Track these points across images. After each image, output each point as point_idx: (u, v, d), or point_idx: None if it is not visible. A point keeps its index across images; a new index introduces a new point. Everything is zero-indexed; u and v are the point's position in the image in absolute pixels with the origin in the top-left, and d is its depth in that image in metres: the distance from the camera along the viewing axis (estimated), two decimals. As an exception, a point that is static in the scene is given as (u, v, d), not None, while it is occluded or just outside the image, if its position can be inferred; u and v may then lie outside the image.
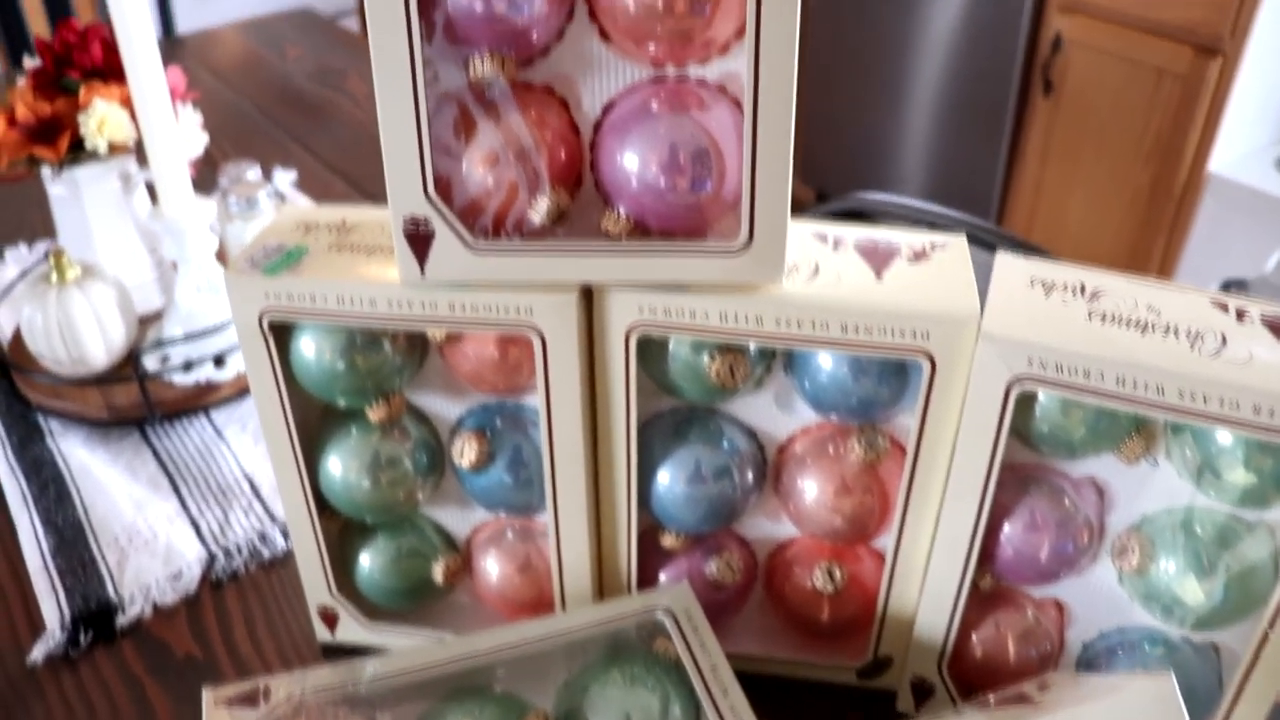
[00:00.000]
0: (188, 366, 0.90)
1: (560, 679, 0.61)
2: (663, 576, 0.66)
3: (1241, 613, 0.58)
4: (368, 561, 0.67)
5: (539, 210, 0.53)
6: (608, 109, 0.54)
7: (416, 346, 0.61)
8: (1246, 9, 1.98)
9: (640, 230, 0.54)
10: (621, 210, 0.53)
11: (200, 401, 0.91)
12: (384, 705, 0.58)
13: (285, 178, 1.31)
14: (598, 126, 0.54)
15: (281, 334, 0.59)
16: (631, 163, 0.52)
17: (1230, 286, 2.17)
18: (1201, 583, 0.58)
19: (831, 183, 2.94)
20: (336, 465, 0.63)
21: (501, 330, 0.56)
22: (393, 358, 0.60)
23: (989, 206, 2.55)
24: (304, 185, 1.31)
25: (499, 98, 0.52)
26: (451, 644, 0.60)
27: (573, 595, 0.65)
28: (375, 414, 0.61)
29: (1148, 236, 2.27)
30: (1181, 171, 2.17)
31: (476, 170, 0.53)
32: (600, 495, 0.62)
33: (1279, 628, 0.58)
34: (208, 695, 0.56)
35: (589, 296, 0.55)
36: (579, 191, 0.55)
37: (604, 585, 0.66)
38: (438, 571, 0.67)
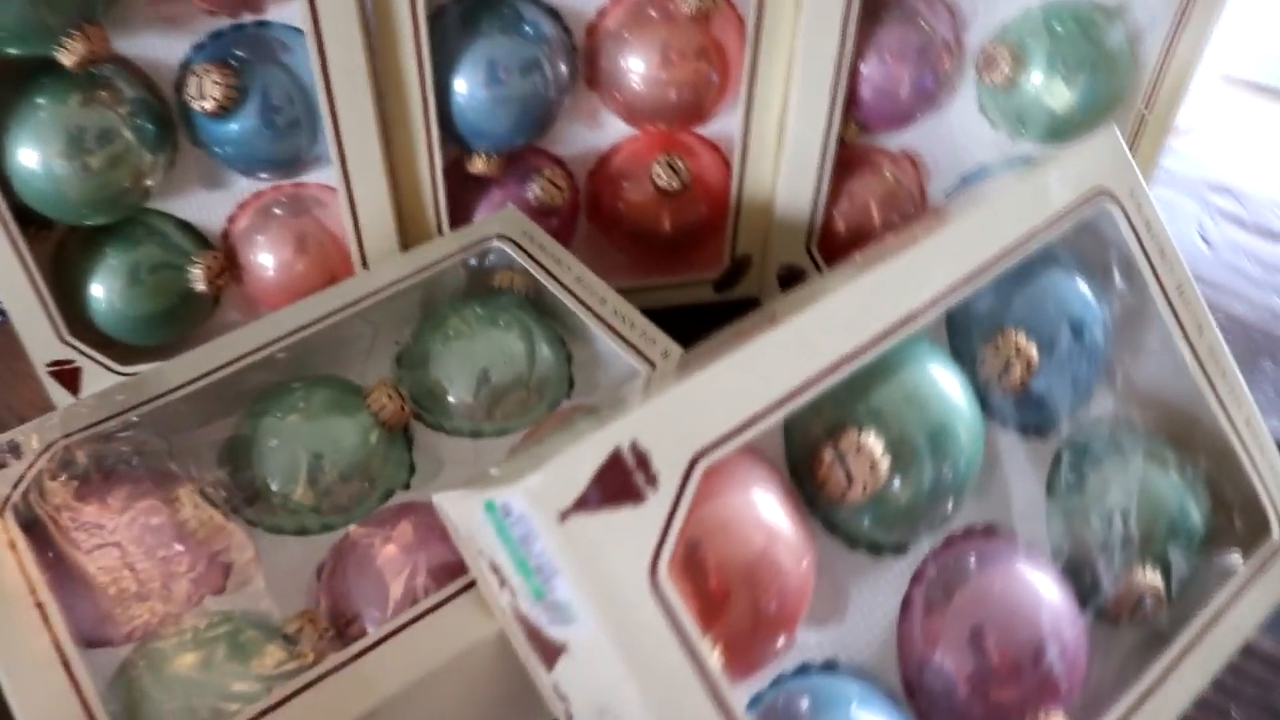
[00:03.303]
0: None
1: (388, 350, 0.49)
2: (479, 215, 0.55)
3: (1105, 110, 0.54)
4: (103, 289, 0.52)
5: None
6: None
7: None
8: None
9: None
10: None
11: None
12: (178, 428, 0.45)
13: None
14: None
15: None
16: None
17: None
18: (1069, 85, 0.53)
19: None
20: (31, 155, 0.47)
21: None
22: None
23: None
24: None
25: None
26: (239, 338, 0.46)
27: (376, 257, 0.53)
28: (70, 54, 0.45)
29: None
30: None
31: None
32: (390, 121, 0.50)
33: (1154, 106, 0.54)
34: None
35: None
36: None
37: (409, 240, 0.54)
38: (198, 276, 0.53)
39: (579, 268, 0.48)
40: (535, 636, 0.33)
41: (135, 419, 0.44)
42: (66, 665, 0.36)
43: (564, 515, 0.28)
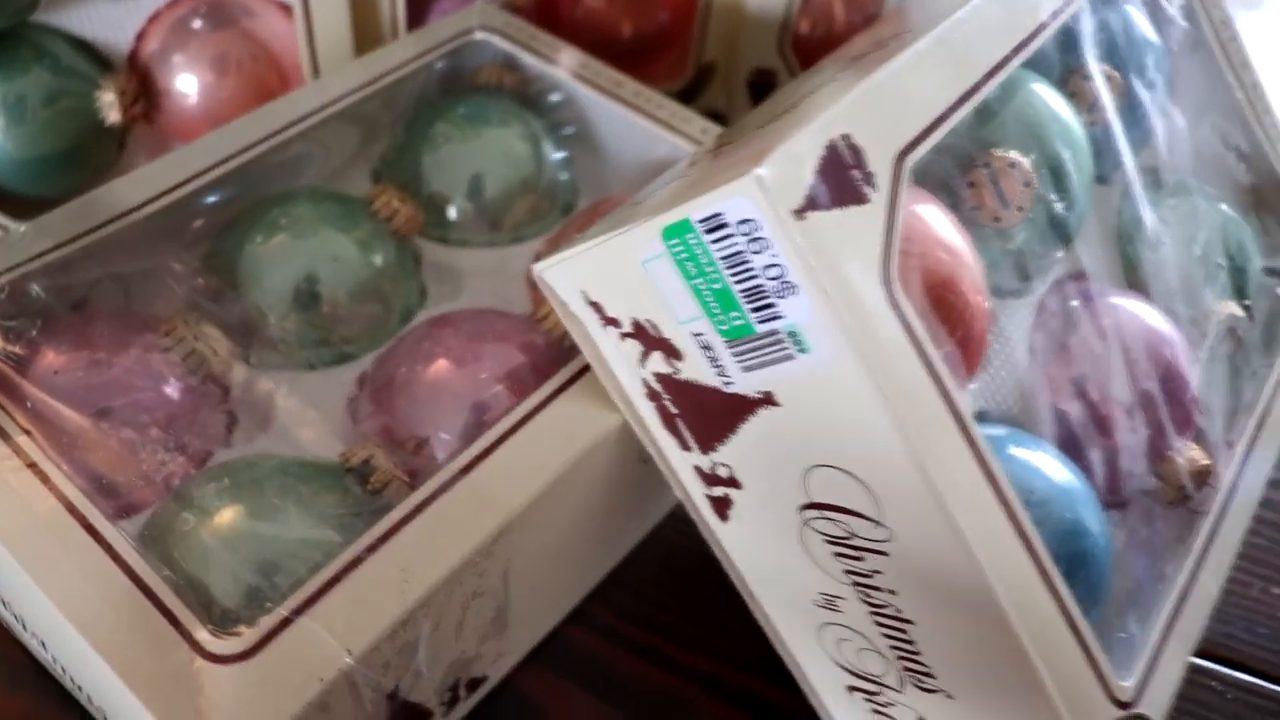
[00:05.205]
0: None
1: (351, 169, 0.43)
2: (434, 17, 0.48)
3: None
4: (-16, 128, 0.43)
5: None
6: None
7: None
8: None
9: None
10: None
11: None
12: (134, 259, 0.37)
13: None
14: None
15: None
16: None
17: None
18: None
19: None
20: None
21: None
22: None
23: None
24: None
25: None
26: (187, 157, 0.39)
27: (330, 69, 0.46)
28: None
29: None
30: None
31: None
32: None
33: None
34: None
35: None
36: None
37: (362, 49, 0.47)
38: (110, 103, 0.44)
39: (581, 54, 0.43)
40: (702, 405, 0.28)
41: (79, 251, 0.36)
42: (90, 529, 0.29)
43: (799, 213, 0.24)
